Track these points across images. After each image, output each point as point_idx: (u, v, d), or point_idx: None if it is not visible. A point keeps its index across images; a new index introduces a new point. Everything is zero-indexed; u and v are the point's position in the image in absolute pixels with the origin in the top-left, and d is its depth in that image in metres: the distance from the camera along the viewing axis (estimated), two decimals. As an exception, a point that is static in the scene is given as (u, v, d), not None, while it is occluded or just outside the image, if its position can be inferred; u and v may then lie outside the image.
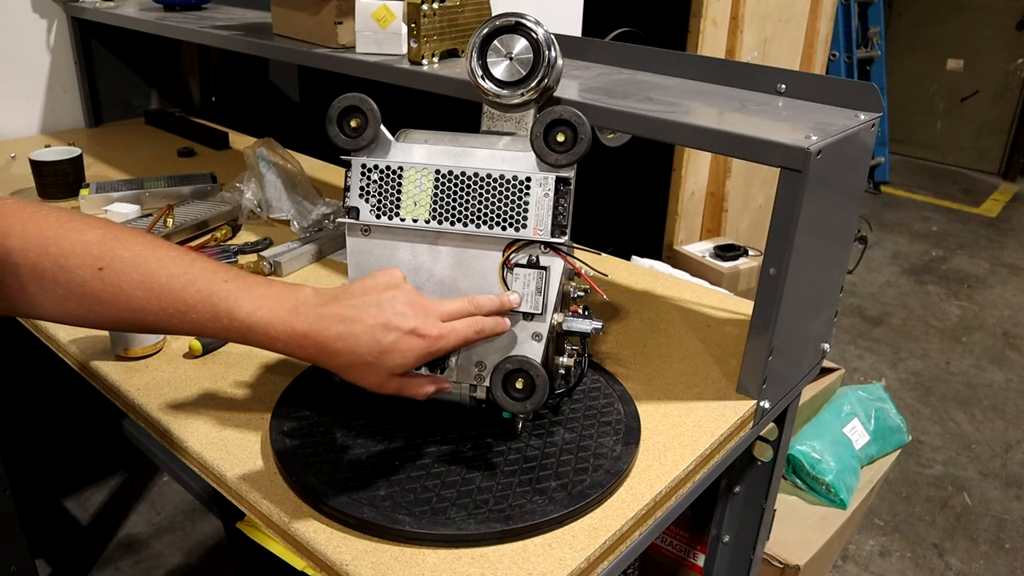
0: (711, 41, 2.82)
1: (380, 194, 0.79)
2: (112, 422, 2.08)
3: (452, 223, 0.78)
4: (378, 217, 0.79)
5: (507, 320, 0.76)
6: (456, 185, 0.78)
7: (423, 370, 0.75)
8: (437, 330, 0.70)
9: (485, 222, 0.77)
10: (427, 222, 0.78)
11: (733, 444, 0.92)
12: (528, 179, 0.77)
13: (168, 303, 0.66)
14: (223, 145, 1.85)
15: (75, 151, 1.49)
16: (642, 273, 1.29)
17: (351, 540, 0.71)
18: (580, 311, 0.84)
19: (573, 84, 1.02)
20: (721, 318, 1.15)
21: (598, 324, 0.83)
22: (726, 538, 1.23)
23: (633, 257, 2.33)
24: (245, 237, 1.35)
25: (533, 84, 0.84)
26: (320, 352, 0.68)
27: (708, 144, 0.88)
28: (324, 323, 0.67)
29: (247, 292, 0.68)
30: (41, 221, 0.65)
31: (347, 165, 0.79)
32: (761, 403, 0.94)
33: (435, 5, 1.08)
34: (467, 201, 0.78)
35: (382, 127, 0.79)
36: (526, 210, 0.77)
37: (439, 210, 0.78)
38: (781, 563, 1.48)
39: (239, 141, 1.88)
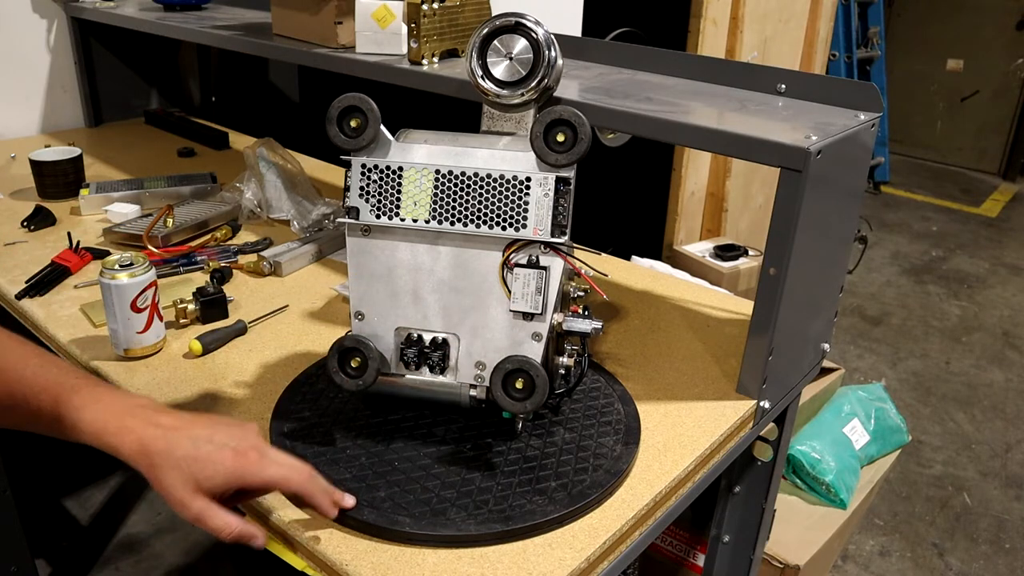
0: (711, 41, 2.82)
1: (380, 194, 0.79)
2: (112, 422, 2.07)
3: (452, 223, 0.78)
4: (378, 217, 0.79)
5: (335, 511, 0.71)
6: (456, 185, 0.78)
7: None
8: (257, 456, 0.67)
9: (485, 222, 0.77)
10: (427, 222, 0.78)
11: (733, 444, 0.92)
12: (528, 179, 0.77)
13: (13, 391, 0.68)
14: (223, 145, 1.85)
15: (75, 151, 1.49)
16: (642, 273, 1.29)
17: (351, 540, 0.71)
18: (580, 311, 0.84)
19: (573, 84, 1.02)
20: (721, 318, 1.15)
21: (598, 324, 0.83)
22: (726, 538, 1.23)
23: (633, 257, 2.33)
24: (245, 237, 1.35)
25: (533, 84, 0.84)
26: (138, 447, 0.65)
27: (708, 144, 0.88)
28: (150, 424, 0.66)
29: (92, 388, 0.68)
30: None
31: (347, 165, 0.80)
32: (761, 403, 0.94)
33: (435, 5, 1.08)
34: (467, 201, 0.78)
35: (382, 127, 0.79)
36: (526, 210, 0.77)
37: (439, 210, 0.78)
38: (781, 563, 1.48)
39: (239, 141, 1.88)
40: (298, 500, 0.74)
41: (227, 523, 0.65)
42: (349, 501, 0.72)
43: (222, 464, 0.65)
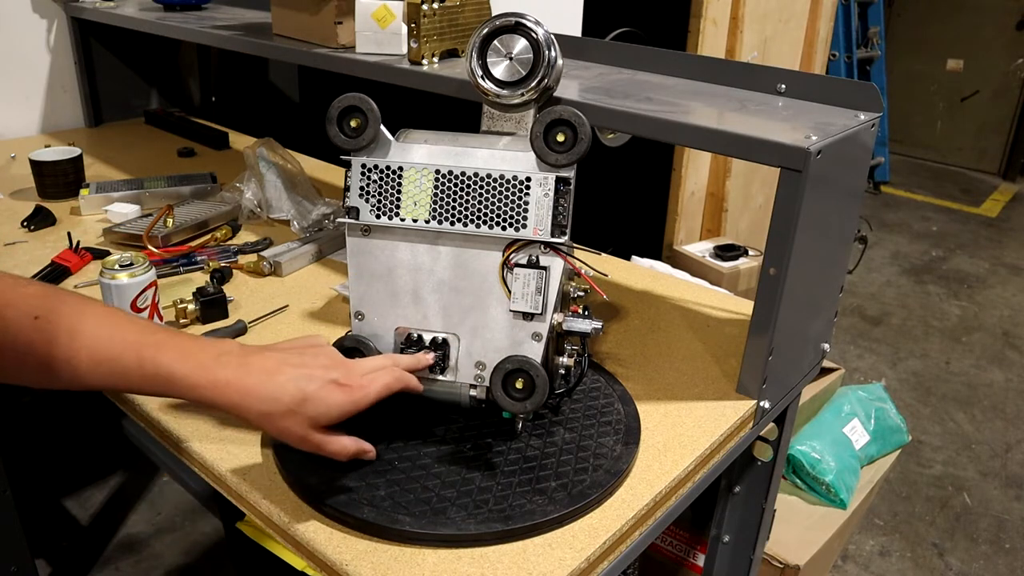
0: (711, 41, 2.82)
1: (380, 194, 0.79)
2: (112, 422, 2.07)
3: (452, 223, 0.78)
4: (378, 217, 0.79)
5: (420, 385, 0.77)
6: (456, 185, 0.78)
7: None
8: (359, 381, 0.70)
9: (485, 222, 0.77)
10: (427, 222, 0.78)
11: (733, 444, 0.92)
12: (528, 179, 0.77)
13: (96, 350, 0.66)
14: (223, 145, 1.85)
15: (75, 151, 1.49)
16: (642, 273, 1.29)
17: (351, 540, 0.71)
18: (580, 311, 0.84)
19: (573, 84, 1.02)
20: (721, 318, 1.15)
21: (598, 324, 0.83)
22: (726, 538, 1.23)
23: (633, 257, 2.33)
24: (245, 237, 1.35)
25: (533, 84, 0.84)
26: (242, 398, 0.67)
27: (708, 144, 0.88)
28: (246, 370, 0.67)
29: (171, 341, 0.68)
30: None
31: (347, 165, 0.80)
32: (761, 403, 0.94)
33: (435, 5, 1.08)
34: (467, 201, 0.78)
35: (382, 127, 0.79)
36: (526, 210, 0.77)
37: (439, 210, 0.78)
38: (781, 563, 1.48)
39: (239, 141, 1.88)
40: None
41: (344, 446, 0.71)
42: (430, 358, 0.79)
43: (334, 401, 0.68)
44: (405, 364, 0.77)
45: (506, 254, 0.78)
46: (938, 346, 3.03)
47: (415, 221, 0.79)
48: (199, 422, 0.86)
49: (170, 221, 1.32)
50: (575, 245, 0.91)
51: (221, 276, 1.17)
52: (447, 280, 0.79)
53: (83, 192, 1.42)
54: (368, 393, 0.70)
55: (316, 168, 1.70)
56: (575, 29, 2.36)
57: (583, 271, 0.88)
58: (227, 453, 0.81)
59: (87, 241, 1.28)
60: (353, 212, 0.79)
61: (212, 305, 1.06)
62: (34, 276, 1.15)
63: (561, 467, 0.79)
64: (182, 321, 1.05)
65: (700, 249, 2.94)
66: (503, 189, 0.77)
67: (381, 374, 0.72)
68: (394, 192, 0.79)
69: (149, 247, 1.25)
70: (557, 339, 0.84)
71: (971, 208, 4.63)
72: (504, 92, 0.84)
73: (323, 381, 0.69)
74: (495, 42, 0.84)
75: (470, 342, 0.80)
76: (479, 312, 0.79)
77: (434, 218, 0.78)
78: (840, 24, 3.99)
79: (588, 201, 1.37)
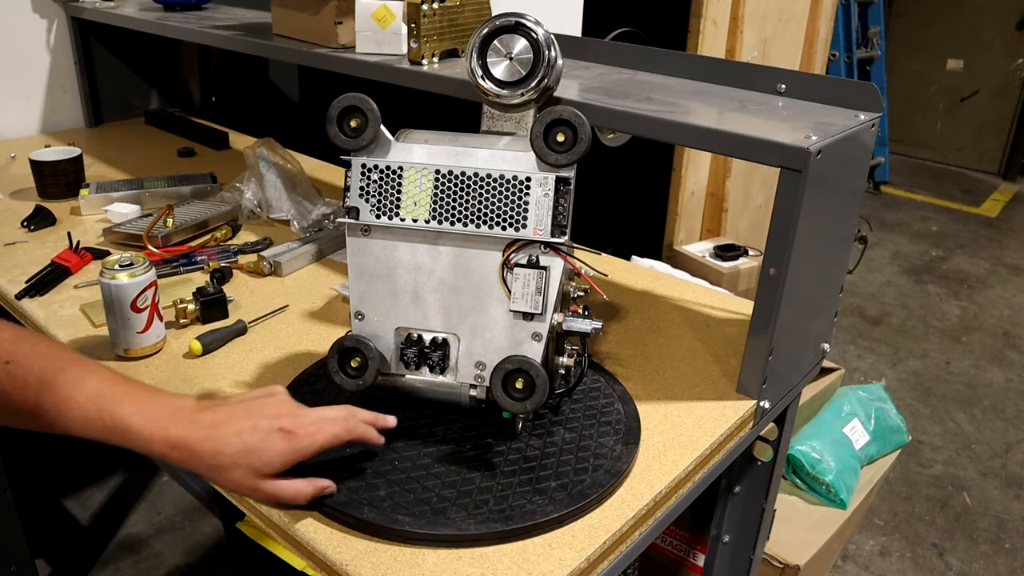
0: (711, 41, 2.82)
1: (380, 194, 0.79)
2: (112, 422, 2.07)
3: (452, 223, 0.78)
4: (378, 217, 0.79)
5: (382, 438, 0.77)
6: (456, 185, 0.78)
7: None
8: (304, 429, 0.70)
9: (485, 222, 0.77)
10: (427, 222, 0.78)
11: (733, 444, 0.92)
12: (528, 179, 0.77)
13: (61, 398, 0.68)
14: (223, 145, 1.85)
15: (75, 151, 1.49)
16: (642, 273, 1.29)
17: (351, 540, 0.71)
18: (580, 311, 0.84)
19: (573, 84, 1.02)
20: (721, 318, 1.15)
21: (598, 324, 0.83)
22: (726, 538, 1.23)
23: (633, 257, 2.33)
24: (245, 237, 1.35)
25: (533, 84, 0.84)
26: (190, 455, 0.68)
27: (708, 144, 0.88)
28: (195, 426, 0.69)
29: (131, 395, 0.69)
30: None
31: (347, 165, 0.80)
32: (761, 403, 0.94)
33: (435, 5, 1.08)
34: (467, 201, 0.78)
35: (382, 127, 0.79)
36: (526, 210, 0.77)
37: (439, 210, 0.78)
38: (781, 563, 1.48)
39: (239, 141, 1.88)
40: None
41: (298, 490, 0.71)
42: (391, 421, 0.78)
43: (276, 450, 0.69)
44: (363, 417, 0.76)
45: (506, 254, 0.78)
46: (938, 346, 3.03)
47: (415, 221, 0.79)
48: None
49: (170, 221, 1.32)
50: (575, 245, 0.91)
51: (221, 276, 1.17)
52: (447, 280, 0.79)
53: (83, 192, 1.42)
54: (314, 441, 0.70)
55: (316, 168, 1.70)
56: (575, 29, 2.36)
57: (583, 271, 0.88)
58: (227, 453, 0.81)
59: (87, 241, 1.28)
60: (353, 212, 0.79)
61: (212, 305, 1.06)
62: (34, 276, 1.15)
63: (561, 467, 0.79)
64: (182, 321, 1.05)
65: (700, 249, 2.94)
66: (503, 189, 0.77)
67: (330, 424, 0.72)
68: (394, 192, 0.79)
69: (149, 247, 1.25)
70: (557, 339, 0.84)
71: (971, 208, 4.63)
72: (504, 92, 0.84)
73: (267, 431, 0.69)
74: (495, 42, 0.84)
75: (470, 342, 0.80)
76: (479, 312, 0.79)
77: (434, 218, 0.78)
78: (840, 24, 3.99)
79: (588, 201, 1.37)
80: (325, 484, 0.72)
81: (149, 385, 0.73)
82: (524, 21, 0.83)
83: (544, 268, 0.77)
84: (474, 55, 0.85)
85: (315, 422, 0.72)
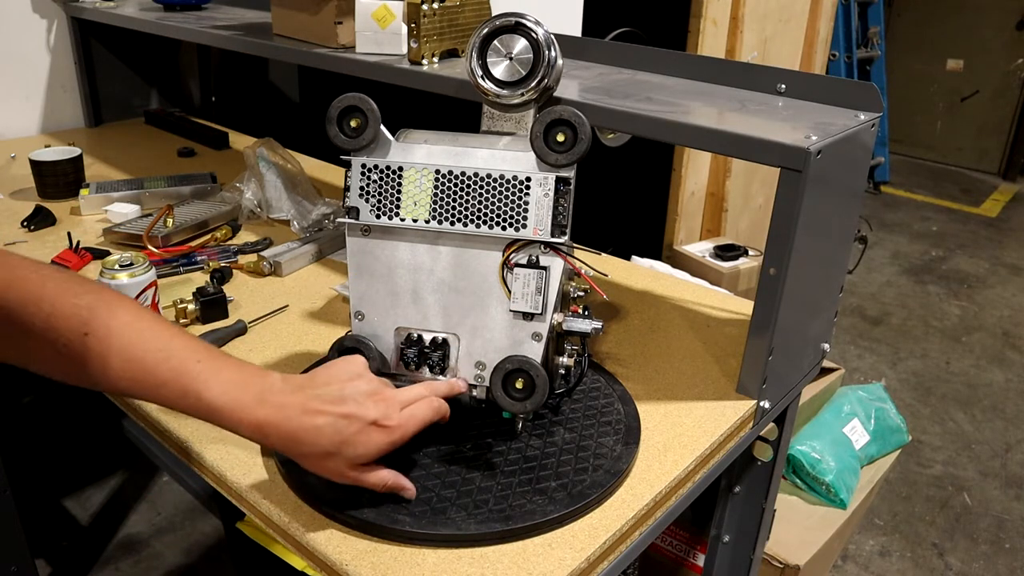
0: (711, 41, 2.82)
1: (380, 194, 0.79)
2: (112, 422, 2.07)
3: (452, 223, 0.78)
4: (378, 217, 0.79)
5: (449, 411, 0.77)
6: (456, 185, 0.78)
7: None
8: (397, 420, 0.70)
9: (485, 222, 0.77)
10: (427, 222, 0.78)
11: (733, 444, 0.92)
12: (528, 179, 0.77)
13: (141, 376, 0.67)
14: (223, 145, 1.85)
15: (75, 151, 1.49)
16: (642, 273, 1.29)
17: (351, 540, 0.71)
18: (580, 311, 0.84)
19: (573, 84, 1.02)
20: (721, 318, 1.15)
21: (598, 324, 0.83)
22: (726, 538, 1.23)
23: (633, 257, 2.33)
24: (245, 237, 1.35)
25: (533, 84, 0.83)
26: (282, 441, 0.68)
27: (708, 144, 0.88)
28: (286, 413, 0.67)
29: (216, 375, 0.68)
30: (42, 278, 0.65)
31: (347, 165, 0.80)
32: (761, 403, 0.94)
33: (435, 5, 1.08)
34: (467, 201, 0.78)
35: (382, 127, 0.79)
36: (526, 210, 0.77)
37: (439, 210, 0.78)
38: (781, 563, 1.48)
39: (239, 141, 1.88)
40: None
41: (382, 479, 0.72)
42: (462, 386, 0.80)
43: (373, 443, 0.69)
44: (441, 392, 0.77)
45: (506, 254, 0.78)
46: (938, 346, 3.03)
47: (415, 221, 0.79)
48: (200, 423, 0.86)
49: (170, 221, 1.32)
50: (575, 245, 0.91)
51: (221, 276, 1.17)
52: (447, 280, 0.79)
53: (83, 192, 1.42)
54: (406, 432, 0.71)
55: (316, 168, 1.70)
56: (575, 29, 2.36)
57: (583, 271, 0.88)
58: (227, 454, 0.81)
59: (87, 241, 1.28)
60: (353, 212, 0.79)
61: (212, 305, 1.06)
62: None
63: (561, 467, 0.79)
64: (182, 321, 1.05)
65: (700, 249, 2.94)
66: (503, 189, 0.77)
67: (419, 409, 0.72)
68: (394, 192, 0.79)
69: (149, 247, 1.25)
70: (557, 339, 0.84)
71: (971, 208, 4.62)
72: (504, 92, 0.84)
73: (362, 424, 0.69)
74: (495, 42, 0.84)
75: (470, 342, 0.80)
76: (479, 312, 0.79)
77: (434, 218, 0.78)
78: (840, 24, 3.99)
79: (588, 201, 1.37)
80: (408, 486, 0.73)
81: (234, 360, 0.70)
82: (524, 21, 0.83)
83: (544, 268, 0.77)
84: (474, 55, 0.85)
85: (407, 412, 0.71)
